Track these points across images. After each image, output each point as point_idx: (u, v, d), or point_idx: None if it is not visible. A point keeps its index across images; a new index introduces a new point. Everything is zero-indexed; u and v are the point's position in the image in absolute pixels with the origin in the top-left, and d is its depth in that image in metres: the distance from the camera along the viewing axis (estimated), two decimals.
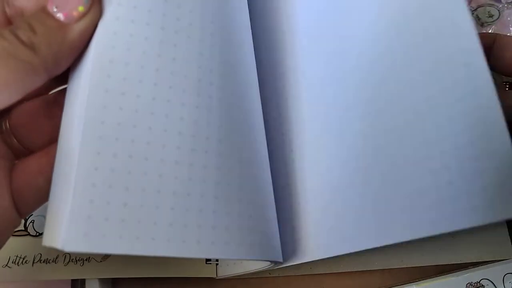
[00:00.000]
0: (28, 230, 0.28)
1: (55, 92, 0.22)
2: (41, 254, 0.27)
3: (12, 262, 0.27)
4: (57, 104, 0.22)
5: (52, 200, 0.17)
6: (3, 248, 0.19)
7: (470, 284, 0.28)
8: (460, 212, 0.20)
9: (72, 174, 0.17)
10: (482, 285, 0.28)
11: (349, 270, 0.31)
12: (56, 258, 0.27)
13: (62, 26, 0.18)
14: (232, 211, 0.20)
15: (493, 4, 0.24)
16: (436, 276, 0.30)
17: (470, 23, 0.21)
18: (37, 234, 0.28)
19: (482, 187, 0.19)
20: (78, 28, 0.18)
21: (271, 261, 0.23)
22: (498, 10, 0.37)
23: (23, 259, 0.27)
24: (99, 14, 0.19)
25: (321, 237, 0.25)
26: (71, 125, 0.18)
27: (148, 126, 0.19)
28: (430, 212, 0.21)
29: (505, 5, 0.37)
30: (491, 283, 0.29)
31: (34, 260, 0.27)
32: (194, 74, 0.21)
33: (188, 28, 0.21)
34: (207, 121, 0.20)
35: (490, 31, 0.37)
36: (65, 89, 0.22)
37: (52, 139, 0.21)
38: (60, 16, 0.18)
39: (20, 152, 0.21)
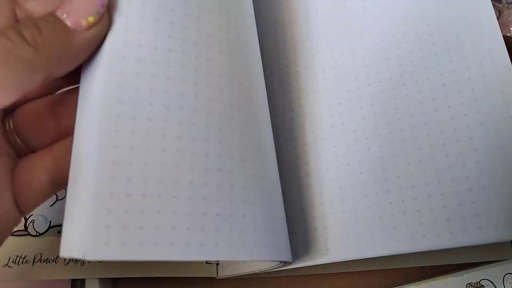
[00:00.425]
0: (28, 230, 0.28)
1: (61, 92, 0.22)
2: (41, 254, 0.27)
3: (12, 262, 0.27)
4: (62, 103, 0.22)
5: (69, 211, 0.18)
6: (3, 248, 0.19)
7: (470, 284, 0.28)
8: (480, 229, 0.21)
9: (89, 184, 0.17)
10: (482, 285, 0.28)
11: (349, 270, 0.31)
12: (56, 258, 0.27)
13: (69, 31, 0.18)
14: (247, 213, 0.20)
15: (493, 4, 0.24)
16: (436, 277, 0.30)
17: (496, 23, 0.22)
18: (37, 234, 0.28)
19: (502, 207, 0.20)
20: (85, 35, 0.18)
21: (281, 261, 0.23)
22: (498, 10, 0.37)
23: (23, 258, 0.27)
24: (107, 26, 0.19)
25: (332, 240, 0.25)
26: (86, 137, 0.19)
27: (162, 134, 0.19)
28: (442, 226, 0.21)
29: (505, 5, 0.37)
30: (491, 283, 0.29)
31: (34, 260, 0.27)
32: (204, 81, 0.21)
33: (195, 35, 0.21)
34: (219, 126, 0.21)
35: None
36: (71, 89, 0.22)
37: (55, 139, 0.21)
38: (68, 22, 0.18)
39: (23, 151, 0.21)
